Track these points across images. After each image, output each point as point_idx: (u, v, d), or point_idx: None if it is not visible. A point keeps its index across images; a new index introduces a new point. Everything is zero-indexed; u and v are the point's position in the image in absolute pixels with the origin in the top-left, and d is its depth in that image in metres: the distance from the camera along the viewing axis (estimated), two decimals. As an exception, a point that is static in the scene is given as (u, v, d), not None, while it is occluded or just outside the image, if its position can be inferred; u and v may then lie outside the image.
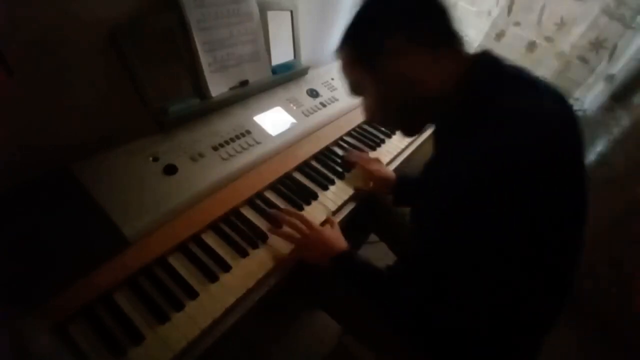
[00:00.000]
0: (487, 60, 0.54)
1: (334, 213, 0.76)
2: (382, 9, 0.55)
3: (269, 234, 0.69)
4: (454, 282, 0.51)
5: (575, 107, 1.14)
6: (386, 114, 0.61)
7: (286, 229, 0.69)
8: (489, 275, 0.49)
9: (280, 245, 0.67)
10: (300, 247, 0.68)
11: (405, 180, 0.85)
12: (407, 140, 1.03)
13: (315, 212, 0.74)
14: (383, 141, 0.99)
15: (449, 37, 0.54)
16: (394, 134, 1.04)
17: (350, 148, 0.93)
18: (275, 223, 0.70)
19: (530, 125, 0.46)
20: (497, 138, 0.45)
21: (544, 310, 0.55)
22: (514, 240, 0.46)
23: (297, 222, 0.69)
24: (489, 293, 0.50)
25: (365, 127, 1.03)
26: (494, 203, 0.43)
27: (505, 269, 0.48)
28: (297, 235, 0.68)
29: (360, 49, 0.57)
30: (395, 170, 0.92)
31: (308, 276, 0.70)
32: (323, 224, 0.74)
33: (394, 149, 0.98)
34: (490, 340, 0.54)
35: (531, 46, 1.18)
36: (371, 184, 0.86)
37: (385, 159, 0.93)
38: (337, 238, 0.70)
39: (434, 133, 0.60)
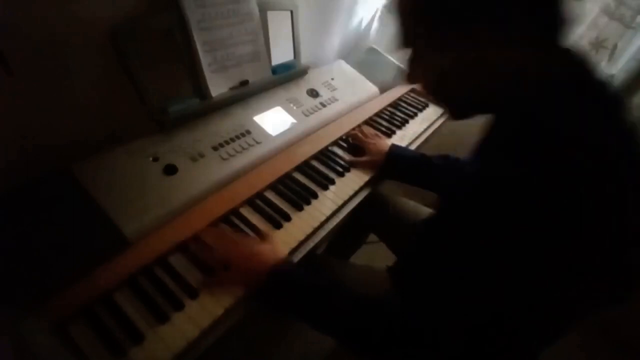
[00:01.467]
0: (567, 67, 0.44)
1: (334, 212, 0.76)
2: None
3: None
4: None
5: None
6: (435, 89, 0.52)
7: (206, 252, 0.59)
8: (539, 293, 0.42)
9: (282, 245, 0.67)
10: (224, 274, 0.57)
11: (396, 157, 0.86)
12: (410, 136, 1.04)
13: (315, 212, 0.74)
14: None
15: (542, 29, 0.43)
16: (395, 133, 1.04)
17: (348, 149, 0.93)
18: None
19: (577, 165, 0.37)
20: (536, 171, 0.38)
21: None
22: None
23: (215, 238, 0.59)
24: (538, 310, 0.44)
25: (365, 127, 1.03)
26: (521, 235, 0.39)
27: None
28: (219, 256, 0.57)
29: (435, 16, 0.45)
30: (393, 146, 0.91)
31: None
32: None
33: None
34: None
35: (531, 46, 1.18)
36: (365, 158, 0.88)
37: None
38: (271, 250, 0.58)
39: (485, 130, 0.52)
